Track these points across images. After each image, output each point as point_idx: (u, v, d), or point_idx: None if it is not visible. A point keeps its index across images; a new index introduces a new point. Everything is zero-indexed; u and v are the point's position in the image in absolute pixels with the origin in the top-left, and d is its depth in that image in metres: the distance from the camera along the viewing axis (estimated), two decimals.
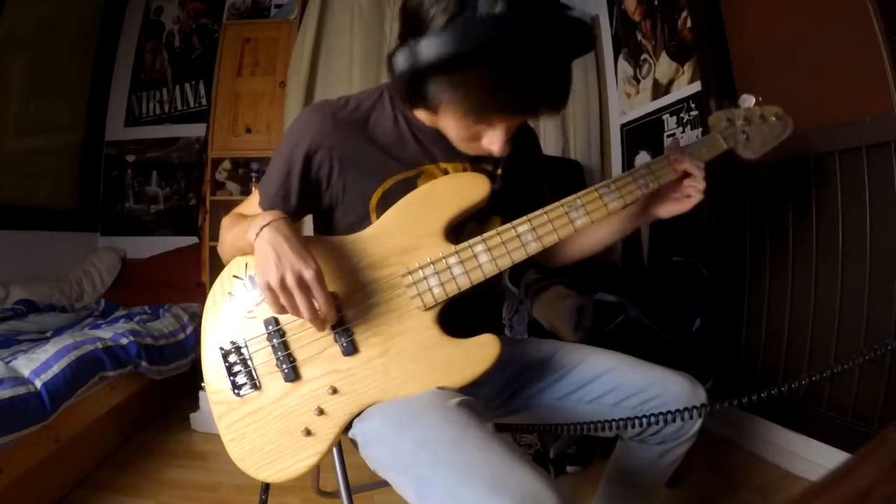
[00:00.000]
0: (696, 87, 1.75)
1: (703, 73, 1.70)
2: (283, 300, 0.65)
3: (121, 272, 2.74)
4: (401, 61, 0.61)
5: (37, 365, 1.27)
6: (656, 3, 1.98)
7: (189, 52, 2.96)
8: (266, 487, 0.99)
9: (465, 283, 0.72)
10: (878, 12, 1.17)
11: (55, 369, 1.28)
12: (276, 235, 0.67)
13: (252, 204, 0.83)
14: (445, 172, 0.80)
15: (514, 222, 0.75)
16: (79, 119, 2.84)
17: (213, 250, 2.42)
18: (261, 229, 0.68)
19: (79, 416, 1.37)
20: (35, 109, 2.53)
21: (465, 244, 0.74)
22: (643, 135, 2.07)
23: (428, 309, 0.72)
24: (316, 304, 0.66)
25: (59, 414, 1.25)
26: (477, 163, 0.82)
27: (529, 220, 0.74)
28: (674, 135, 1.88)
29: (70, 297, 2.42)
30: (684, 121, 1.83)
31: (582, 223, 0.75)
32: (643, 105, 2.07)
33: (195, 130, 2.89)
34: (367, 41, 2.40)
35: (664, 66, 1.94)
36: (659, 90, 1.98)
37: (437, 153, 0.80)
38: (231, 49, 2.56)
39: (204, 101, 2.91)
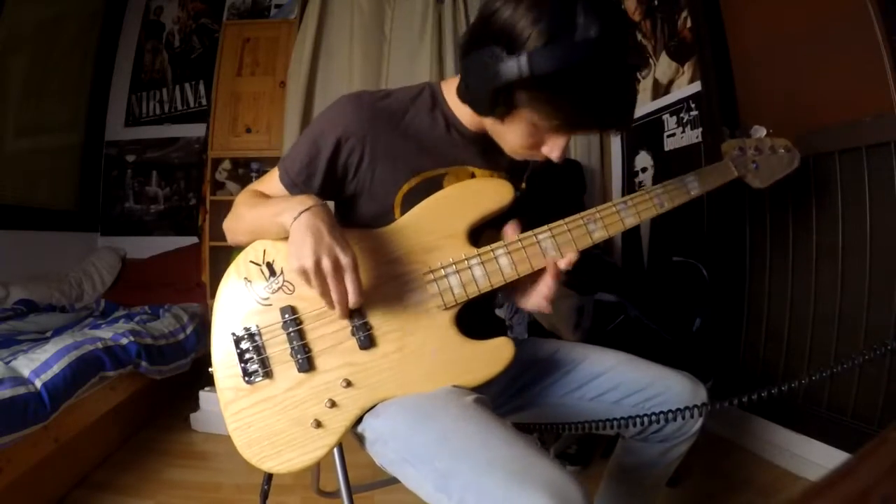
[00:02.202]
0: (696, 87, 1.74)
1: (703, 73, 1.70)
2: (315, 283, 0.65)
3: (121, 272, 2.73)
4: (506, 71, 0.61)
5: (37, 365, 1.27)
6: (656, 3, 1.98)
7: (189, 52, 2.96)
8: (268, 478, 0.99)
9: (485, 286, 0.74)
10: (878, 12, 1.17)
11: (55, 369, 1.28)
12: (315, 220, 0.67)
13: (271, 182, 0.81)
14: (472, 176, 0.81)
15: (535, 230, 0.76)
16: (79, 119, 2.84)
17: (214, 250, 2.42)
18: (300, 213, 0.67)
19: (79, 416, 1.37)
20: (35, 109, 2.53)
21: (488, 248, 0.75)
22: (643, 135, 2.07)
23: (447, 308, 0.74)
24: (348, 290, 0.67)
25: (59, 414, 1.25)
26: (507, 171, 0.84)
27: (550, 229, 0.76)
28: (674, 135, 1.89)
29: (70, 297, 2.42)
30: (684, 121, 1.83)
31: (599, 235, 0.77)
32: (643, 105, 2.06)
33: (195, 130, 2.89)
34: (367, 41, 2.41)
35: (664, 66, 1.94)
36: (659, 90, 1.98)
37: (469, 156, 0.81)
38: (231, 49, 2.56)
39: (204, 101, 2.90)
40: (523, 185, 0.86)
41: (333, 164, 0.77)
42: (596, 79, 0.61)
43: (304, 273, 0.65)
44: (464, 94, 0.72)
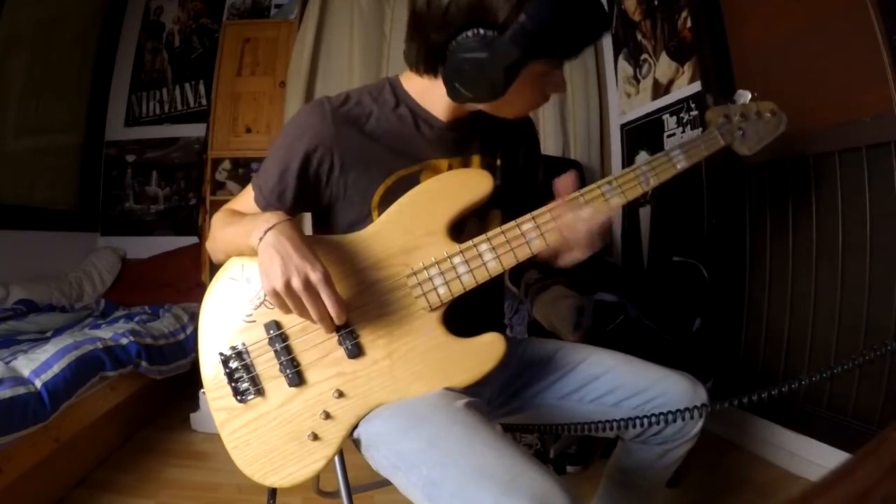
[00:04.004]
0: (696, 87, 1.74)
1: (703, 73, 1.70)
2: (290, 305, 0.64)
3: (121, 272, 2.73)
4: (514, 40, 0.62)
5: (37, 365, 1.27)
6: (656, 3, 1.98)
7: (189, 52, 2.96)
8: (273, 492, 0.99)
9: (470, 283, 0.72)
10: (878, 12, 1.17)
11: (55, 369, 1.28)
12: (280, 238, 0.65)
13: (246, 199, 0.81)
14: (449, 167, 0.80)
15: (518, 220, 0.74)
16: (79, 119, 2.83)
17: None
18: (264, 233, 0.66)
19: (79, 416, 1.37)
20: (35, 109, 2.52)
21: (470, 243, 0.73)
22: (643, 135, 2.07)
23: (433, 309, 0.72)
24: (326, 305, 0.65)
25: (59, 414, 1.25)
26: (483, 153, 0.82)
27: (533, 217, 0.74)
28: (674, 135, 1.89)
29: (70, 297, 2.42)
30: (684, 121, 1.83)
31: None
32: (643, 105, 2.07)
33: (195, 130, 2.89)
34: (367, 41, 2.40)
35: (664, 66, 1.94)
36: (659, 90, 1.98)
37: (441, 148, 0.79)
38: (231, 49, 2.56)
39: (204, 101, 2.90)
40: (499, 160, 0.84)
41: (304, 176, 0.75)
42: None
43: (276, 295, 0.64)
44: (460, 95, 0.69)
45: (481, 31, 0.62)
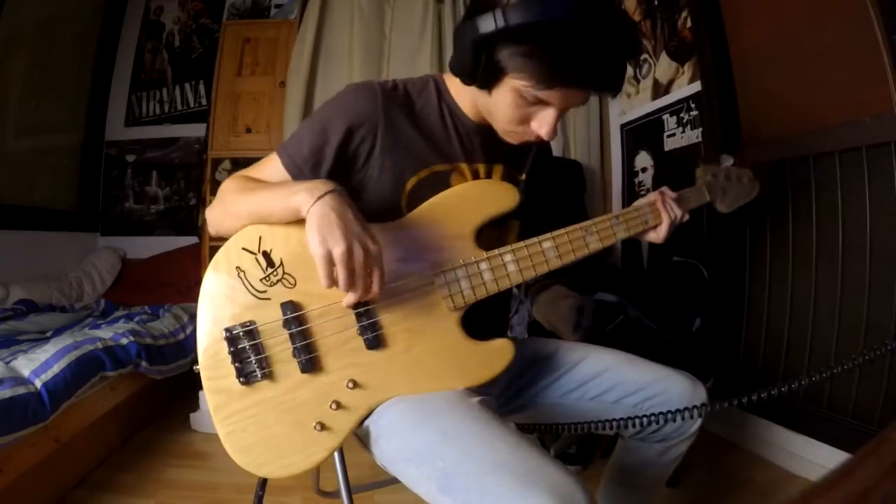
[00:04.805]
0: (696, 87, 1.74)
1: (703, 73, 1.70)
2: (341, 273, 0.61)
3: (121, 272, 2.73)
4: (483, 25, 0.62)
5: (37, 365, 1.27)
6: (656, 3, 1.98)
7: (189, 52, 2.96)
8: (263, 483, 0.97)
9: (493, 289, 0.75)
10: (878, 12, 1.17)
11: (55, 369, 1.28)
12: (342, 205, 0.63)
13: (268, 169, 0.76)
14: (476, 174, 0.81)
15: (539, 238, 0.78)
16: (79, 119, 2.83)
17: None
18: (322, 195, 0.63)
19: (79, 416, 1.37)
20: (35, 109, 2.52)
21: (496, 252, 0.76)
22: (643, 135, 2.07)
23: (456, 310, 0.73)
24: (374, 282, 0.64)
25: (59, 414, 1.25)
26: (508, 164, 0.84)
27: (553, 237, 0.78)
28: (673, 135, 1.89)
29: (70, 297, 2.42)
30: (684, 121, 1.83)
31: (595, 247, 0.80)
32: (643, 105, 2.07)
33: (195, 130, 2.89)
34: (367, 41, 2.40)
35: (664, 66, 1.94)
36: (659, 90, 1.98)
37: (472, 150, 0.81)
38: (231, 49, 2.56)
39: (204, 101, 2.90)
40: (524, 175, 0.86)
41: (343, 152, 0.74)
42: (576, 32, 0.61)
43: (329, 260, 0.61)
44: (454, 66, 0.71)
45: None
